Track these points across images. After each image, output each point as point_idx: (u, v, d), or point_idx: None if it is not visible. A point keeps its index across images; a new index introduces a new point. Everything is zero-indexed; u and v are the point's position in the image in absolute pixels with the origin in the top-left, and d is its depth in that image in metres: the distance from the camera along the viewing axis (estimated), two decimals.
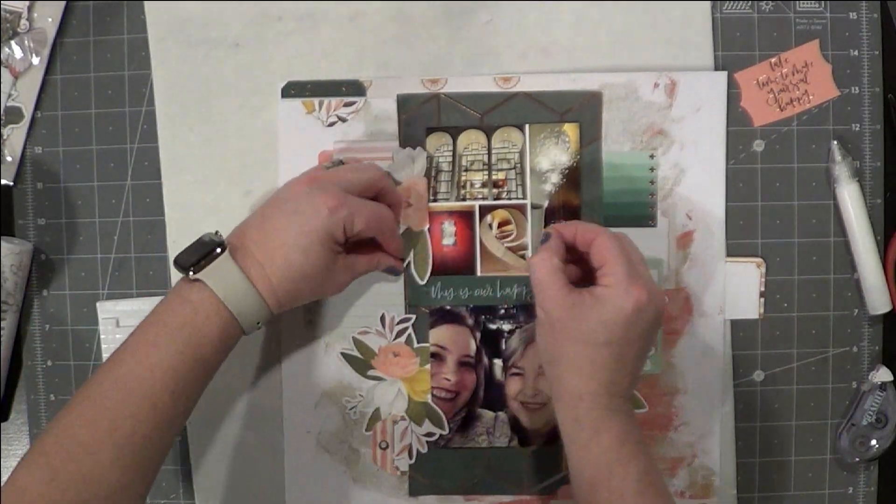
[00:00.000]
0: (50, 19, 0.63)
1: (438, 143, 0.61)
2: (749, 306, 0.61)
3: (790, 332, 0.61)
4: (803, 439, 0.62)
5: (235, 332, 0.52)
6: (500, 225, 0.61)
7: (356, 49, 0.62)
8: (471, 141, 0.61)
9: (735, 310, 0.61)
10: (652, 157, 0.61)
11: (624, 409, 0.51)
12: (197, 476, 0.63)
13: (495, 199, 0.61)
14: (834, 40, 0.61)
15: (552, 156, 0.61)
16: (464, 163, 0.61)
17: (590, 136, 0.61)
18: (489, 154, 0.61)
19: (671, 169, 0.61)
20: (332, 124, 0.62)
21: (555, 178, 0.61)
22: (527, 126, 0.61)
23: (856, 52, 0.61)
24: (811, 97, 0.61)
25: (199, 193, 0.62)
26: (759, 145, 0.61)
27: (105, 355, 0.63)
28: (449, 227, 0.62)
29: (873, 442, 0.60)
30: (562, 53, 0.61)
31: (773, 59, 0.61)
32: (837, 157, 0.60)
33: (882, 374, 0.60)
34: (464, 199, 0.61)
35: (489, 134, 0.61)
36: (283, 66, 0.62)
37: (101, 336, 0.63)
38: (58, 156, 0.64)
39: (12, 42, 0.62)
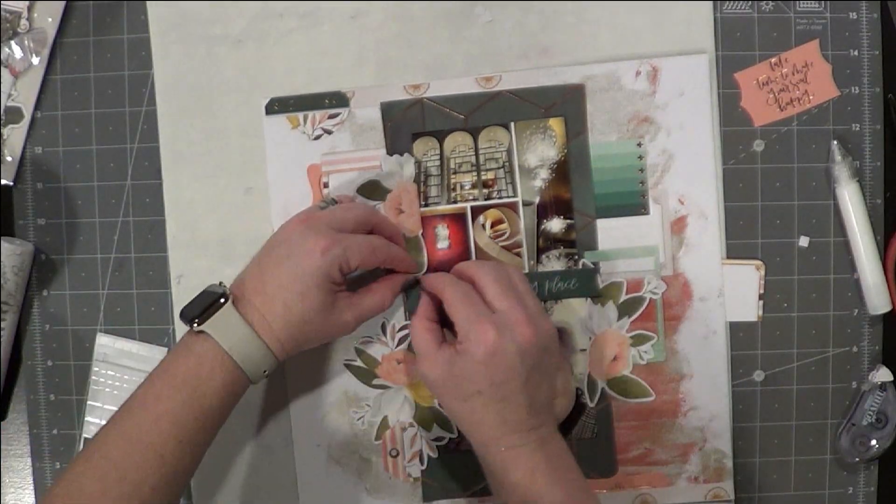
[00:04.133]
0: (50, 19, 0.63)
1: (425, 148, 0.61)
2: (748, 309, 0.61)
3: (790, 333, 0.61)
4: (803, 439, 0.62)
5: (242, 381, 0.52)
6: (493, 225, 0.61)
7: (357, 47, 0.62)
8: (457, 143, 0.61)
9: (733, 312, 0.61)
10: (639, 145, 0.61)
11: (530, 441, 0.51)
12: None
13: (486, 200, 0.61)
14: (834, 40, 0.61)
15: (539, 151, 0.61)
16: (452, 165, 0.61)
17: (576, 129, 0.61)
18: (476, 155, 0.61)
19: (659, 155, 0.61)
20: (318, 137, 0.62)
21: (544, 174, 0.61)
22: (512, 124, 0.61)
23: (856, 52, 0.61)
24: (811, 97, 0.61)
25: (200, 190, 0.63)
26: (759, 145, 0.61)
27: (93, 387, 0.63)
28: (442, 231, 0.61)
29: (873, 442, 0.60)
30: (563, 54, 0.61)
31: (773, 59, 0.61)
32: (837, 157, 0.60)
33: (882, 374, 0.60)
34: (455, 202, 0.61)
35: (475, 135, 0.61)
36: (284, 64, 0.62)
37: (94, 369, 0.63)
38: (58, 156, 0.64)
39: (12, 42, 0.62)
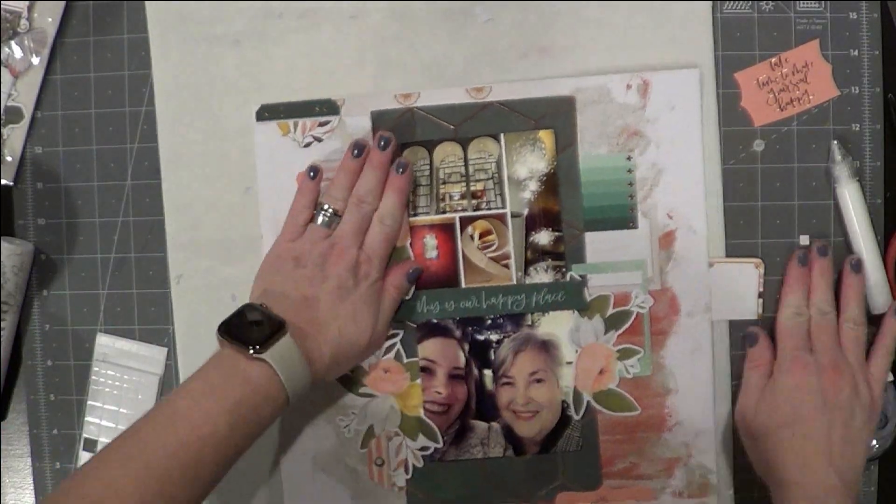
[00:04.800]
0: (50, 19, 0.63)
1: (415, 158, 0.61)
2: (748, 307, 0.61)
3: None
4: None
5: (283, 407, 0.53)
6: (482, 235, 0.61)
7: (357, 47, 0.62)
8: (447, 153, 0.61)
9: (733, 310, 0.61)
10: (629, 158, 0.61)
11: (830, 499, 0.52)
12: None
13: (475, 210, 0.61)
14: (834, 40, 0.61)
15: (529, 163, 0.61)
16: (441, 175, 0.61)
17: (565, 142, 0.61)
18: (466, 165, 0.61)
19: (649, 169, 0.61)
20: (308, 145, 0.62)
21: (533, 186, 0.61)
22: (502, 135, 0.61)
23: (856, 52, 0.61)
24: (811, 97, 0.61)
25: (199, 190, 0.63)
26: (759, 145, 0.61)
27: (93, 387, 0.63)
28: (430, 241, 0.61)
29: (873, 442, 0.60)
30: (562, 53, 0.61)
31: (773, 59, 0.61)
32: (837, 156, 0.60)
33: None
34: (443, 212, 0.61)
35: (465, 145, 0.61)
36: (284, 64, 0.62)
37: (94, 369, 0.63)
38: (58, 156, 0.64)
39: (12, 42, 0.63)
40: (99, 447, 0.63)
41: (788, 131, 0.61)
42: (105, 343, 0.63)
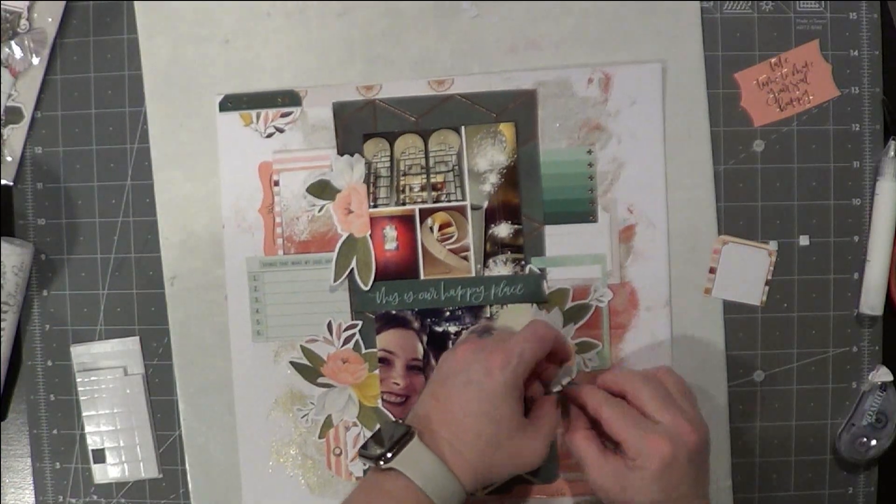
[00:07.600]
0: (50, 19, 0.63)
1: (376, 149, 0.61)
2: (752, 292, 0.61)
3: (790, 332, 0.61)
4: (803, 439, 0.62)
5: None
6: (441, 227, 0.61)
7: (345, 45, 0.62)
8: (408, 145, 0.61)
9: (736, 292, 0.61)
10: (590, 152, 0.61)
11: None
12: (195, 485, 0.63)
13: (435, 202, 0.61)
14: (834, 40, 0.61)
15: (489, 156, 0.61)
16: (402, 167, 0.61)
17: (526, 135, 0.61)
18: (426, 157, 0.61)
19: (609, 163, 0.61)
20: (270, 135, 0.62)
21: (493, 179, 0.61)
22: (463, 128, 0.61)
23: (856, 52, 0.61)
24: (811, 97, 0.61)
25: (191, 190, 0.63)
26: (759, 145, 0.61)
27: (83, 398, 0.63)
28: (390, 232, 0.62)
29: (873, 442, 0.60)
30: (550, 47, 0.61)
31: (773, 59, 0.61)
32: (891, 152, 0.60)
33: (882, 374, 0.60)
34: (404, 204, 0.61)
35: (425, 137, 0.61)
36: (272, 63, 0.62)
37: (78, 380, 0.63)
38: (58, 156, 0.64)
39: (12, 42, 0.63)
40: (107, 456, 0.63)
41: (788, 131, 0.61)
42: (80, 352, 0.63)
